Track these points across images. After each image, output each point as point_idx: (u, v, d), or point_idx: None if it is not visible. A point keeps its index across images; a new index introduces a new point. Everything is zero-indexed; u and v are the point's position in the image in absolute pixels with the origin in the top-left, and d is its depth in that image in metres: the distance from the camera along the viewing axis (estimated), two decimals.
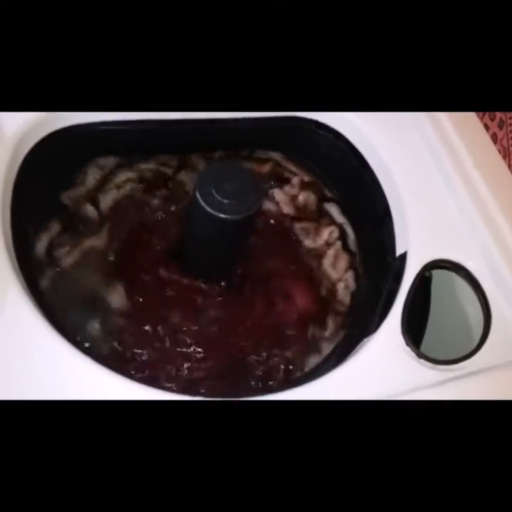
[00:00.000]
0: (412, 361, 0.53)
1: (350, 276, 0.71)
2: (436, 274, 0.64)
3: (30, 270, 0.54)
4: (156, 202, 0.69)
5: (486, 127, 0.77)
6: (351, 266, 0.72)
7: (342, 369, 0.52)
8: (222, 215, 0.52)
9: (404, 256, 0.60)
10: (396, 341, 0.54)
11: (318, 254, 0.72)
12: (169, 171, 0.72)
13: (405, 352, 0.53)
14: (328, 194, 0.77)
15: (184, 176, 0.72)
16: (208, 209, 0.52)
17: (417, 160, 0.67)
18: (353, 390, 0.50)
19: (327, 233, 0.73)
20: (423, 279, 0.59)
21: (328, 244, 0.73)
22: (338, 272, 0.71)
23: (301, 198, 0.75)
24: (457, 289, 0.64)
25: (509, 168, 0.68)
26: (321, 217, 0.75)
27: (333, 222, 0.75)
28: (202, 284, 0.64)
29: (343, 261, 0.72)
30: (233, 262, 0.66)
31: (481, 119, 0.77)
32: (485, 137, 0.69)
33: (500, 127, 0.76)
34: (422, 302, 0.64)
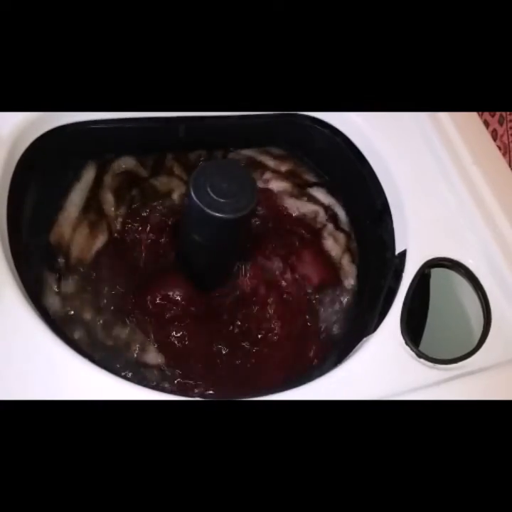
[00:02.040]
0: (411, 360, 0.53)
1: (346, 258, 0.73)
2: (436, 272, 0.64)
3: (27, 271, 0.54)
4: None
5: (486, 124, 0.77)
6: (347, 247, 0.73)
7: (342, 368, 0.52)
8: (219, 214, 0.52)
9: (403, 254, 0.60)
10: (395, 340, 0.54)
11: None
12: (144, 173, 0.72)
13: (405, 351, 0.53)
14: (312, 179, 0.77)
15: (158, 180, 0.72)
16: (204, 208, 0.52)
17: (416, 156, 0.67)
18: (352, 389, 0.50)
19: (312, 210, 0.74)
20: (422, 278, 0.59)
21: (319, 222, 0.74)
22: (337, 251, 0.73)
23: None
24: (457, 288, 0.63)
25: (509, 164, 0.67)
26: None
27: (319, 204, 0.75)
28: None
29: (340, 241, 0.73)
30: (231, 261, 0.66)
31: (481, 115, 0.76)
32: (484, 133, 0.69)
33: (501, 123, 0.76)
34: (422, 301, 0.64)
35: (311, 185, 0.77)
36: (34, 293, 0.51)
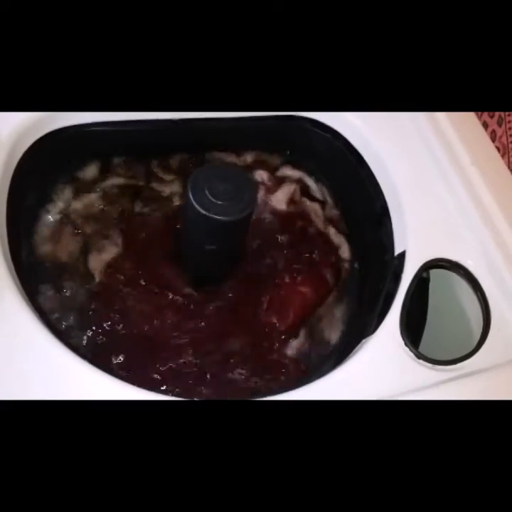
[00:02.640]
0: (410, 362, 0.53)
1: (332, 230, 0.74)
2: (435, 274, 0.64)
3: (26, 273, 0.54)
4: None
5: (485, 125, 0.77)
6: (326, 217, 0.75)
7: (341, 370, 0.52)
8: (216, 217, 0.52)
9: (402, 255, 0.60)
10: (395, 342, 0.54)
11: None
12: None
13: (404, 352, 0.53)
14: (277, 161, 0.78)
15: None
16: (202, 211, 0.52)
17: (415, 158, 0.67)
18: (352, 390, 0.50)
19: (286, 192, 0.74)
20: (421, 279, 0.59)
21: (294, 201, 0.74)
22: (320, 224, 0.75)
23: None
24: (456, 289, 0.63)
25: (508, 166, 0.67)
26: (278, 184, 0.76)
27: (291, 180, 0.76)
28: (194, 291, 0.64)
29: (318, 213, 0.75)
30: (229, 262, 0.66)
31: (480, 116, 0.76)
32: (483, 134, 0.69)
33: (500, 124, 0.76)
34: (421, 302, 0.64)
35: (278, 167, 0.77)
36: (33, 296, 0.51)
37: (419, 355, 0.53)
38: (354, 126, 0.69)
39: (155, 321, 0.62)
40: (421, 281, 0.59)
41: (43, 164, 0.61)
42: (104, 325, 0.60)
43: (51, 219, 0.65)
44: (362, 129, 0.69)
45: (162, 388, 0.58)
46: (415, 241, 0.60)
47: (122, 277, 0.63)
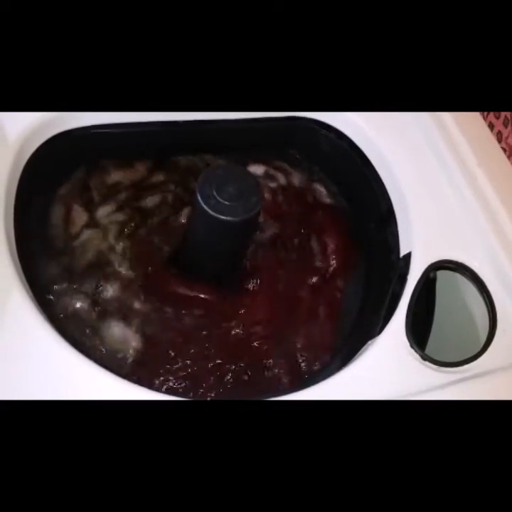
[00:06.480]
0: (416, 363, 0.53)
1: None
2: (441, 275, 0.64)
3: (34, 272, 0.54)
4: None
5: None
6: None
7: (347, 371, 0.52)
8: (223, 217, 0.52)
9: (408, 257, 0.60)
10: (400, 343, 0.54)
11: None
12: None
13: (410, 354, 0.53)
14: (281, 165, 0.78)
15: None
16: (210, 211, 0.52)
17: (421, 159, 0.67)
18: (357, 392, 0.50)
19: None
20: (427, 280, 0.59)
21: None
22: None
23: None
24: (462, 290, 0.63)
25: None
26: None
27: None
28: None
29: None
30: (235, 262, 0.66)
31: (486, 117, 0.76)
32: (489, 135, 0.69)
33: (505, 125, 0.75)
34: (427, 303, 0.64)
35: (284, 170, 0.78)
36: (41, 296, 0.52)
37: (425, 357, 0.53)
38: (359, 127, 0.69)
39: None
40: (427, 283, 0.59)
41: (51, 166, 0.62)
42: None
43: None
44: (367, 130, 0.69)
45: None
46: (421, 242, 0.60)
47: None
